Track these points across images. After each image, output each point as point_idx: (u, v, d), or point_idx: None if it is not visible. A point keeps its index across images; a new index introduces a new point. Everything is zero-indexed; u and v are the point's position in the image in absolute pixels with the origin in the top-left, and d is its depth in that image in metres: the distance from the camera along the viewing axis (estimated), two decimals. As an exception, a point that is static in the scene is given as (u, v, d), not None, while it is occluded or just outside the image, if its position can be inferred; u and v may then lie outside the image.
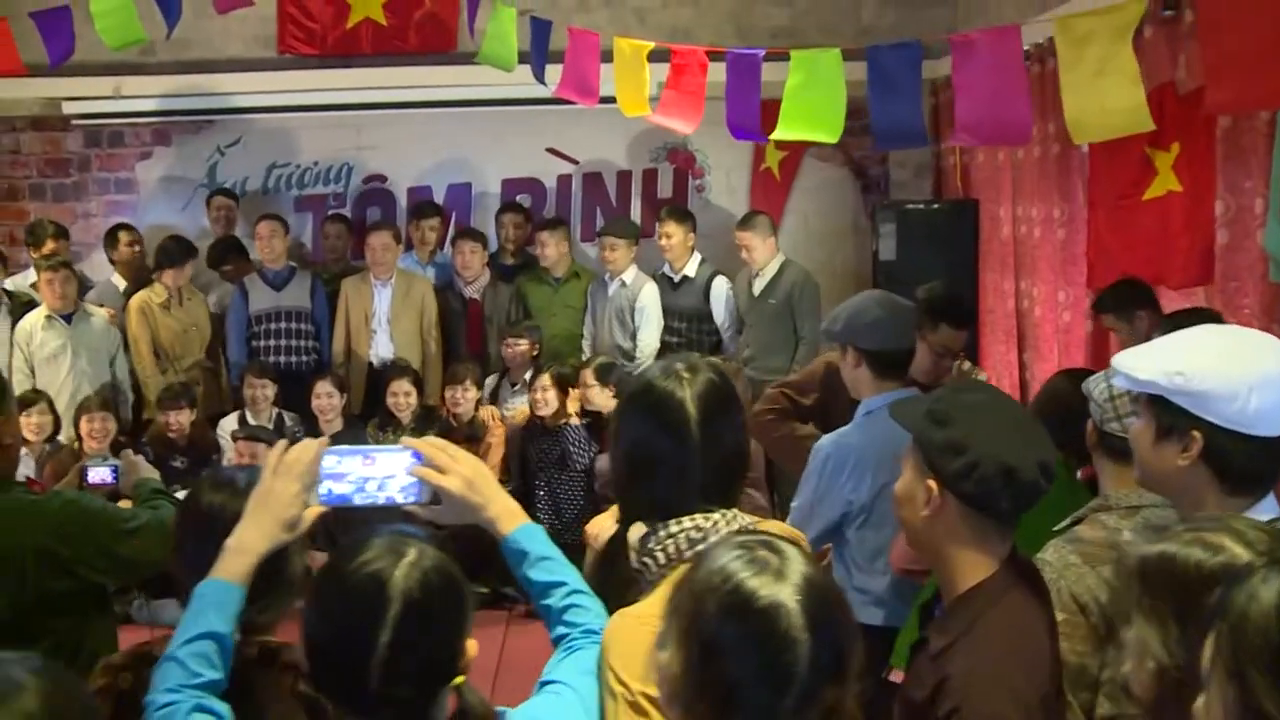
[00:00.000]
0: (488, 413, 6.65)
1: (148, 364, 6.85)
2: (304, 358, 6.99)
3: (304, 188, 7.79)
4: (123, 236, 7.18)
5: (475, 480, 1.98)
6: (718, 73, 4.97)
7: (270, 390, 6.71)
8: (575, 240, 7.64)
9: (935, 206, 7.16)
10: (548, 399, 6.34)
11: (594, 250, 7.56)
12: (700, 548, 1.96)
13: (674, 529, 1.98)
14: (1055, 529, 2.61)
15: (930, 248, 6.82)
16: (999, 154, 6.63)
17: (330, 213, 7.62)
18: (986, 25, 6.80)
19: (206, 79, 7.56)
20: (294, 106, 7.58)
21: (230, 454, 6.64)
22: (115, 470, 3.20)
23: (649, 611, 1.93)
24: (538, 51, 5.82)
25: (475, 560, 6.15)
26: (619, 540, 2.15)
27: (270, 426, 6.72)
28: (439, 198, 7.69)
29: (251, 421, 6.74)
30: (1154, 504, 2.50)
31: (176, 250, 6.92)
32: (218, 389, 7.11)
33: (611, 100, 7.21)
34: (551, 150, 7.74)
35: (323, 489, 1.94)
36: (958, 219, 6.94)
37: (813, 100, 4.37)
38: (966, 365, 4.87)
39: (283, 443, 1.97)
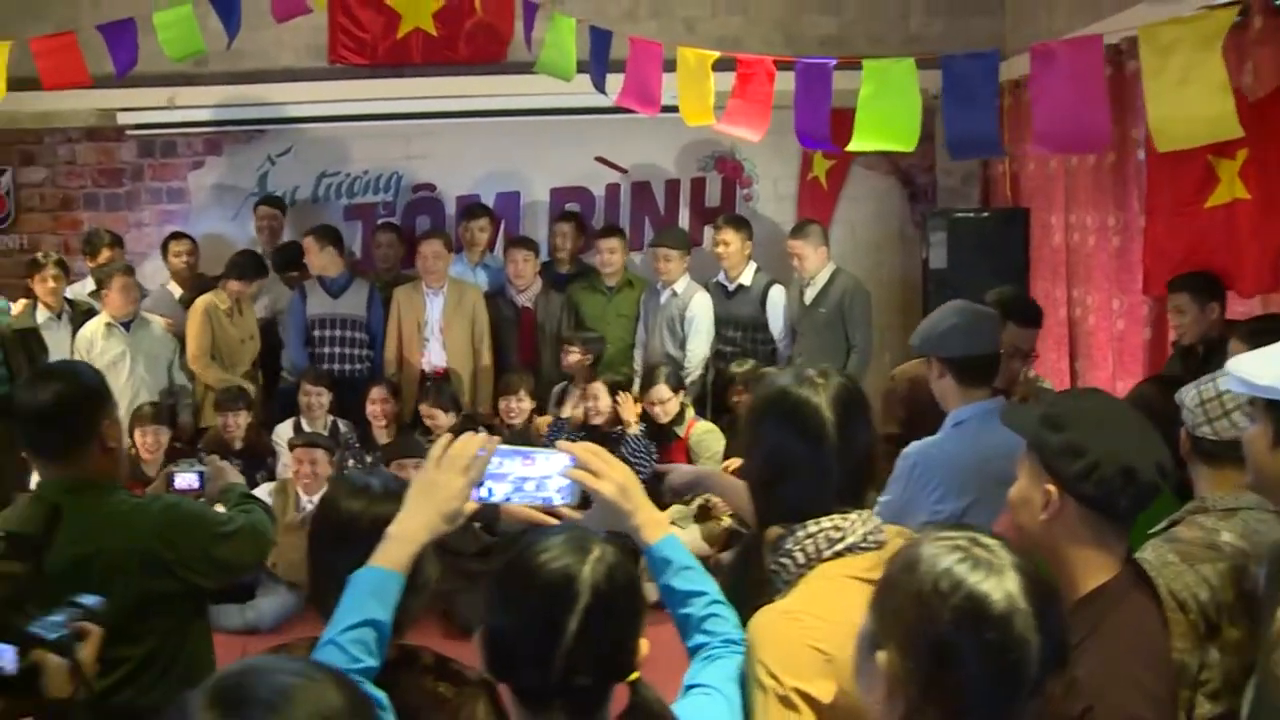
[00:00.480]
0: (542, 422, 6.68)
1: (203, 362, 6.88)
2: (358, 365, 7.02)
3: (354, 196, 7.85)
4: (174, 245, 7.24)
5: (627, 487, 2.02)
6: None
7: (325, 398, 6.76)
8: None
9: (985, 215, 7.16)
10: (600, 407, 6.36)
11: (640, 258, 7.59)
12: (840, 548, 2.01)
13: (812, 529, 2.04)
14: (1151, 531, 2.64)
15: (981, 256, 6.82)
16: (1051, 162, 6.65)
17: (381, 221, 7.66)
18: (1034, 34, 6.85)
19: (258, 89, 7.61)
20: (344, 116, 7.62)
21: (286, 459, 6.70)
22: (201, 476, 3.23)
23: (795, 607, 1.98)
24: (598, 61, 5.85)
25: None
26: (754, 542, 2.19)
27: (327, 432, 6.78)
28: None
29: (306, 428, 6.78)
30: (1250, 506, 2.54)
31: (249, 266, 6.97)
32: (265, 398, 7.15)
33: (664, 109, 7.34)
34: (600, 159, 7.78)
35: (483, 489, 1.98)
36: (1008, 227, 6.94)
37: (887, 109, 4.39)
38: (1031, 374, 4.89)
39: (447, 436, 2.00)
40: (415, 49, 7.62)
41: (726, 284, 6.99)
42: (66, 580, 2.65)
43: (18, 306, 6.73)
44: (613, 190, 7.82)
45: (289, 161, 7.82)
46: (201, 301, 6.92)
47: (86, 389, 2.84)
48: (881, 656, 1.50)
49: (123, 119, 7.64)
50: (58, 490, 2.75)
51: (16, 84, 6.01)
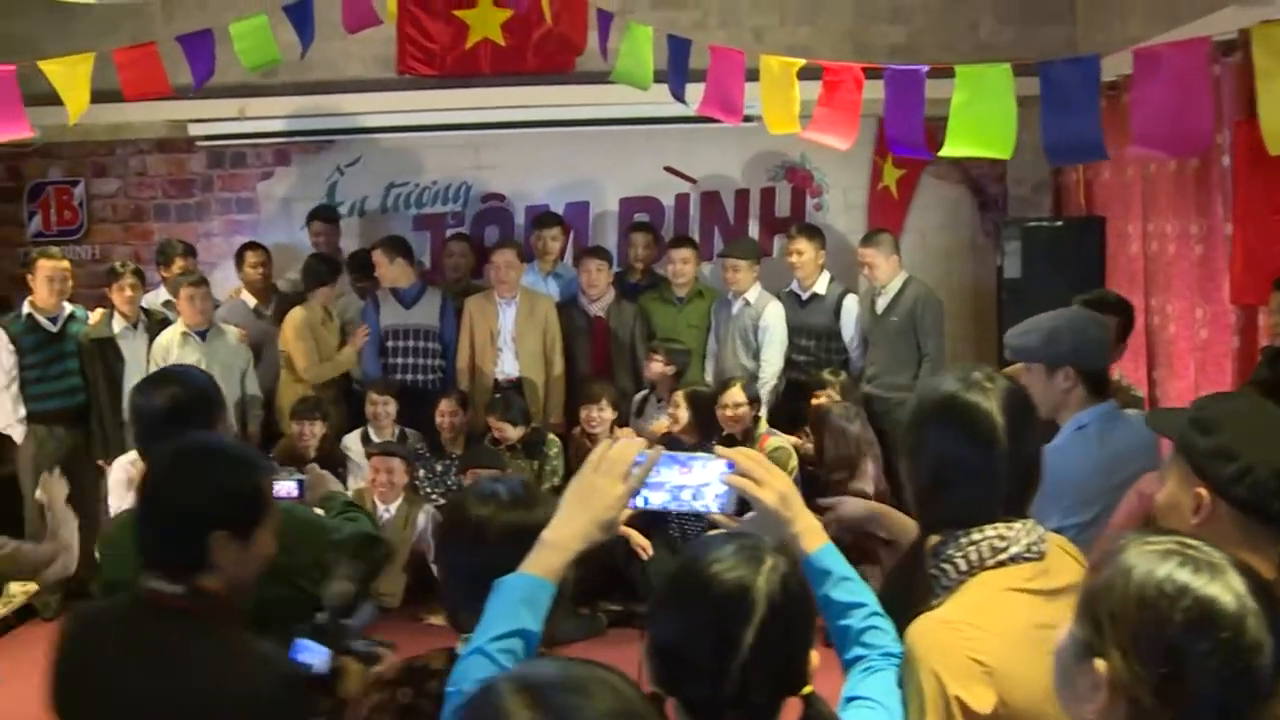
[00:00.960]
0: (624, 434, 6.65)
1: (314, 370, 6.90)
2: (429, 375, 7.03)
3: (422, 207, 7.86)
4: (249, 256, 7.26)
5: (787, 495, 1.97)
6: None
7: (392, 407, 6.77)
8: (690, 259, 7.64)
9: (1060, 223, 7.10)
10: (679, 416, 6.34)
11: (710, 269, 7.56)
12: (1003, 557, 1.98)
13: (975, 537, 2.01)
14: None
15: (1055, 265, 6.75)
16: (1128, 170, 6.58)
17: (453, 231, 7.67)
18: (1108, 41, 6.80)
19: (327, 99, 7.65)
20: (413, 126, 7.65)
21: (363, 469, 6.71)
22: (300, 484, 3.22)
23: (954, 616, 1.95)
24: (677, 70, 5.83)
25: (606, 579, 6.19)
26: (917, 549, 2.15)
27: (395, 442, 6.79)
28: (559, 217, 7.73)
29: (374, 438, 6.79)
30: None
31: (326, 269, 6.99)
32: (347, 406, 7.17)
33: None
34: (669, 169, 7.76)
35: (639, 497, 1.90)
36: (1084, 236, 6.87)
37: (981, 116, 4.36)
38: (1125, 381, 4.84)
39: (607, 441, 1.96)
40: (484, 59, 7.63)
41: (800, 293, 6.95)
42: None
43: (95, 316, 6.79)
44: (682, 200, 7.80)
45: (358, 172, 7.84)
46: (296, 315, 6.93)
47: (200, 392, 2.83)
48: (1102, 664, 1.47)
49: (194, 130, 7.71)
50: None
51: (92, 96, 6.03)
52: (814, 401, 6.47)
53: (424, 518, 6.33)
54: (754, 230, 7.74)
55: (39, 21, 7.67)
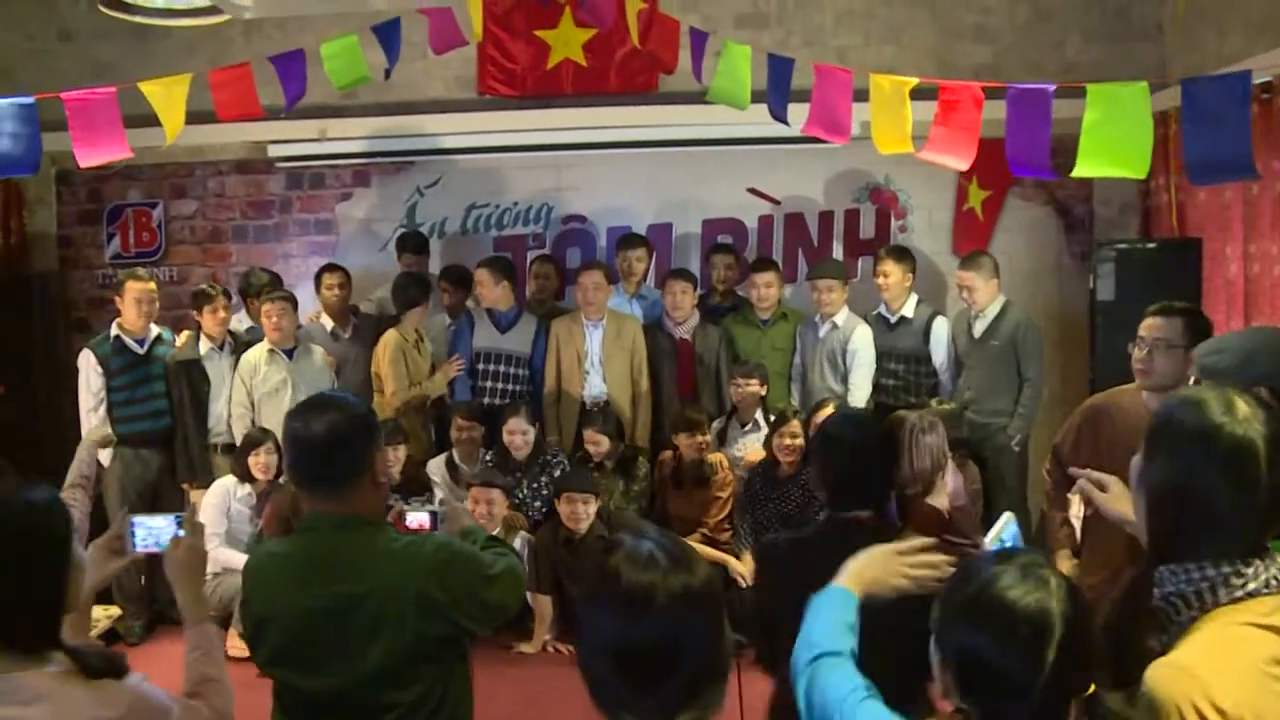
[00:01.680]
0: (717, 458, 6.57)
1: (403, 395, 6.79)
2: (516, 401, 6.95)
3: (503, 228, 7.80)
4: (326, 278, 7.21)
5: None
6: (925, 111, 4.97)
7: (478, 432, 6.69)
8: (772, 281, 7.56)
9: (1152, 245, 6.98)
10: (796, 448, 6.24)
11: (791, 291, 7.47)
12: (1239, 594, 1.90)
13: (1210, 572, 1.93)
14: None
15: (1149, 287, 6.62)
16: (1225, 191, 6.47)
17: (535, 253, 7.61)
18: (1199, 62, 6.71)
19: (407, 120, 7.63)
20: (494, 147, 7.60)
21: (441, 494, 6.63)
22: (435, 516, 3.13)
23: (1192, 662, 1.86)
24: (779, 90, 5.75)
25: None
26: (1146, 578, 2.06)
27: (478, 466, 6.70)
28: (641, 239, 7.66)
29: (459, 463, 6.71)
30: None
31: (417, 289, 6.90)
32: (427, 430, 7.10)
33: (812, 140, 7.24)
34: (752, 190, 7.68)
35: None
36: (1179, 257, 6.75)
37: (1115, 135, 4.25)
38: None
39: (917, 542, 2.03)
40: (565, 80, 7.60)
41: (888, 316, 6.87)
42: (336, 619, 2.59)
43: (181, 338, 6.76)
44: (765, 222, 7.71)
45: (438, 193, 7.80)
46: (390, 338, 6.85)
47: (359, 419, 2.73)
48: None
49: (273, 151, 7.69)
50: (328, 525, 2.67)
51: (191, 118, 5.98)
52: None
53: (519, 544, 6.25)
54: (837, 252, 7.64)
55: (121, 46, 7.70)
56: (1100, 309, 6.82)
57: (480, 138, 7.59)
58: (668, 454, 6.66)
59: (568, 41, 7.57)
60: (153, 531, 2.79)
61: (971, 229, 7.58)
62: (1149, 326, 4.24)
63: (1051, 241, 7.59)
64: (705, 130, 7.41)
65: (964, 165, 4.96)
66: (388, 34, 6.38)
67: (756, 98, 5.88)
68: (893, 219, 7.67)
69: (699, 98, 7.37)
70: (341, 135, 7.64)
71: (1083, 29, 7.47)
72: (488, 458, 6.67)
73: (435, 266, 7.57)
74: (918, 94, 5.05)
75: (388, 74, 6.40)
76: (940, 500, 5.62)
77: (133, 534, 2.79)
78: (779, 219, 7.71)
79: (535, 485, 6.59)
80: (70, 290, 7.92)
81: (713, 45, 6.16)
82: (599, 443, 6.51)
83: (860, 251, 7.62)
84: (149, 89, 5.69)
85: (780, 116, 5.79)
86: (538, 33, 7.59)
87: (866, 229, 7.68)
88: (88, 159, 5.46)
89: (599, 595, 1.81)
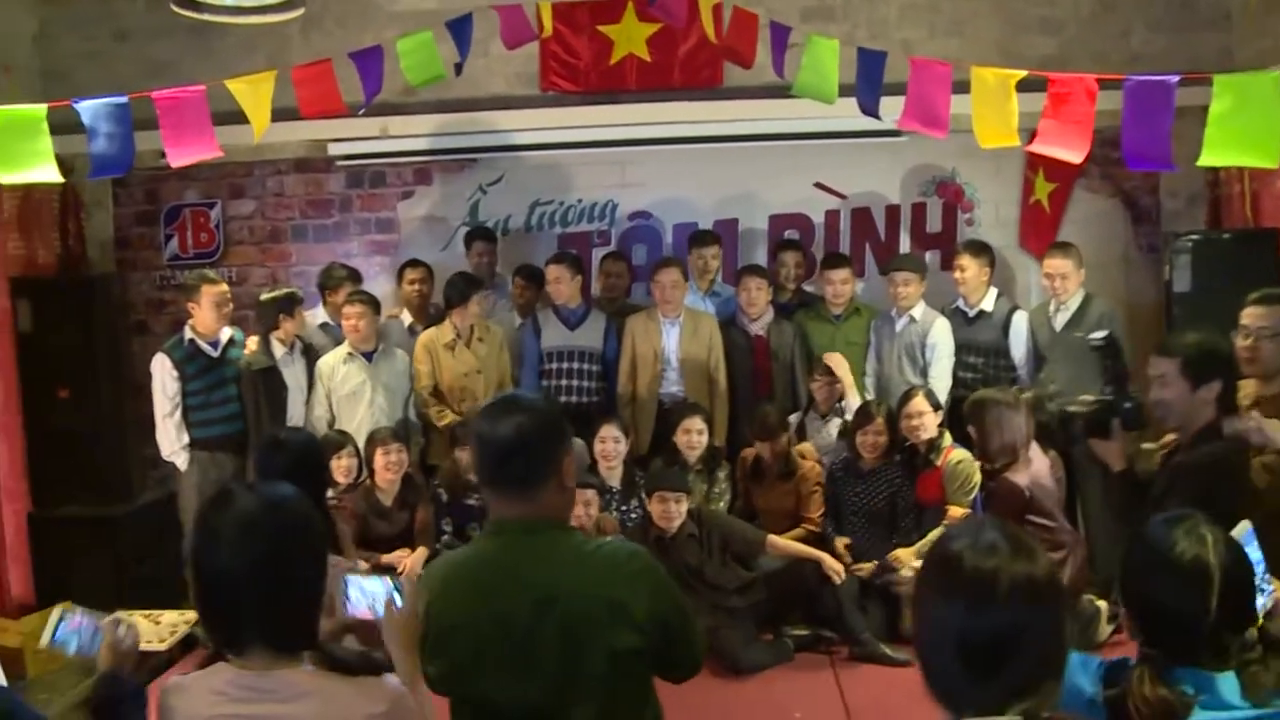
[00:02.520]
0: (808, 452, 6.55)
1: (422, 400, 6.80)
2: (591, 398, 6.90)
3: (568, 225, 7.74)
4: (408, 273, 7.15)
5: None
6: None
7: None
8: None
9: (1227, 236, 6.96)
10: (880, 444, 6.22)
11: (861, 285, 7.44)
12: None
13: None
14: None
15: (1225, 279, 6.62)
16: (1304, 182, 6.48)
17: (607, 251, 7.55)
18: (1265, 50, 6.69)
19: (469, 117, 7.56)
20: (557, 144, 7.55)
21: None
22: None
23: None
24: (869, 84, 5.71)
25: (794, 603, 6.06)
26: None
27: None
28: (707, 234, 7.61)
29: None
30: None
31: (458, 287, 6.80)
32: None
33: (877, 134, 7.21)
34: (819, 185, 7.64)
35: None
36: (1254, 248, 6.73)
37: (1245, 125, 4.22)
38: None
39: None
40: (629, 75, 7.55)
41: (966, 310, 6.84)
42: (525, 627, 2.48)
43: (251, 343, 6.68)
44: (832, 216, 7.67)
45: (501, 190, 7.73)
46: (423, 338, 6.84)
47: (548, 421, 2.67)
48: None
49: (333, 150, 7.62)
50: (516, 529, 2.57)
51: (229, 118, 5.84)
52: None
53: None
54: (905, 246, 7.62)
55: (178, 45, 7.63)
56: (1177, 300, 6.82)
57: (544, 134, 7.53)
58: (750, 450, 6.62)
59: (631, 36, 7.51)
60: (366, 593, 2.68)
61: (1038, 222, 7.56)
62: (1252, 315, 4.25)
63: (1119, 233, 7.57)
64: (770, 125, 7.39)
65: (1078, 157, 4.91)
66: (460, 29, 6.34)
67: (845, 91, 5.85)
68: (959, 212, 7.64)
69: (763, 92, 7.39)
70: (403, 133, 7.56)
71: (1147, 19, 7.44)
72: None
73: (499, 265, 7.52)
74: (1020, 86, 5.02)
75: (459, 70, 6.36)
76: (1021, 476, 5.64)
77: (346, 594, 2.70)
78: (845, 214, 7.68)
79: (625, 508, 6.51)
80: (128, 292, 7.82)
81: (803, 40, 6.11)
82: (702, 431, 6.46)
83: (928, 245, 7.60)
84: (236, 87, 5.63)
85: (871, 110, 5.75)
86: (601, 28, 7.53)
87: (933, 223, 7.66)
88: (179, 158, 5.40)
89: (941, 584, 1.81)
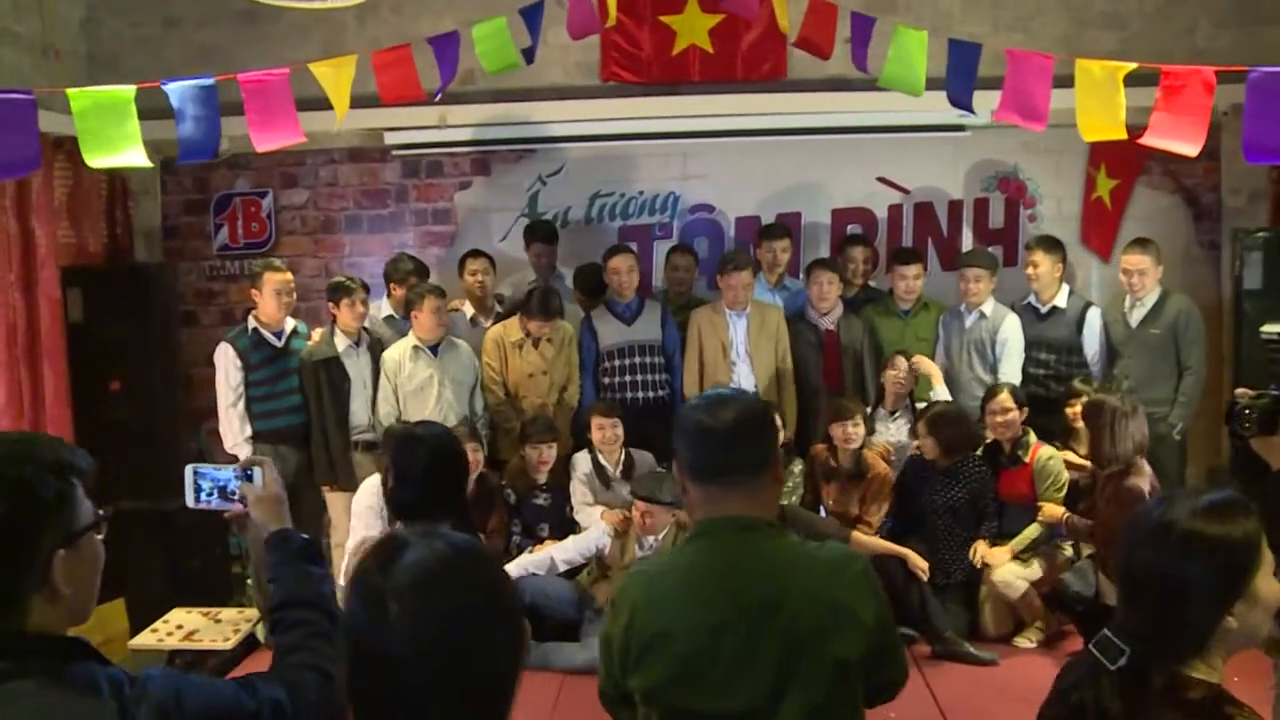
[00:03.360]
0: (880, 449, 6.49)
1: (495, 395, 6.71)
2: (659, 392, 6.81)
3: (628, 217, 7.64)
4: (470, 264, 7.02)
5: None
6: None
7: (620, 429, 6.52)
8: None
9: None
10: (925, 446, 6.21)
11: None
12: None
13: None
14: None
15: (1295, 275, 6.64)
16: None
17: (673, 244, 7.45)
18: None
19: (527, 107, 7.47)
20: (618, 135, 7.46)
21: (587, 492, 6.52)
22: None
23: None
24: (962, 77, 5.65)
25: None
26: None
27: (621, 466, 6.57)
28: (766, 227, 7.54)
29: (602, 461, 6.56)
30: None
31: (540, 306, 6.59)
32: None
33: (940, 128, 7.16)
34: (882, 179, 7.58)
35: None
36: (1326, 245, 6.74)
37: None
38: None
39: None
40: (691, 66, 7.47)
41: (1038, 306, 6.80)
42: (744, 631, 2.33)
43: (315, 335, 6.57)
44: (895, 211, 7.61)
45: (560, 181, 7.63)
46: (494, 332, 6.74)
47: (766, 411, 2.57)
48: None
49: (390, 139, 7.51)
50: (731, 528, 2.40)
51: (303, 104, 5.72)
52: (1070, 410, 6.32)
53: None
54: (968, 241, 7.57)
55: (227, 31, 7.51)
56: (1247, 296, 6.80)
57: (604, 125, 7.44)
58: (821, 447, 6.55)
59: (693, 27, 7.43)
60: (218, 482, 2.51)
61: (1100, 218, 7.54)
62: None
63: (1180, 230, 7.55)
64: (833, 118, 7.33)
65: (1194, 150, 4.87)
66: (533, 16, 6.24)
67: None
68: (1021, 208, 7.60)
69: (827, 85, 7.34)
70: (460, 122, 7.46)
71: (1211, 14, 7.43)
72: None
73: (560, 257, 7.42)
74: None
75: (530, 58, 6.26)
76: (1143, 481, 5.58)
77: (197, 485, 2.50)
78: (908, 208, 7.62)
79: None
80: (178, 282, 7.67)
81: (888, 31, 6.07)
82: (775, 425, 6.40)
83: (990, 241, 7.55)
84: (320, 70, 5.54)
85: (963, 104, 5.69)
86: (663, 18, 7.45)
87: (996, 218, 7.61)
88: (265, 143, 5.31)
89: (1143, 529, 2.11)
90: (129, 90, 4.78)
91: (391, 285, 6.97)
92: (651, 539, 6.07)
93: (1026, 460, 6.14)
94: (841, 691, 2.34)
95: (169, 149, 6.32)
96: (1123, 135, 5.09)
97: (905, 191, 7.60)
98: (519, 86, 7.42)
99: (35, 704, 1.69)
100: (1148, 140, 5.00)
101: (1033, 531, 6.01)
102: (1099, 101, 5.13)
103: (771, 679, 2.30)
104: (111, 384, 7.02)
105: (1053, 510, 5.95)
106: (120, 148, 4.79)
